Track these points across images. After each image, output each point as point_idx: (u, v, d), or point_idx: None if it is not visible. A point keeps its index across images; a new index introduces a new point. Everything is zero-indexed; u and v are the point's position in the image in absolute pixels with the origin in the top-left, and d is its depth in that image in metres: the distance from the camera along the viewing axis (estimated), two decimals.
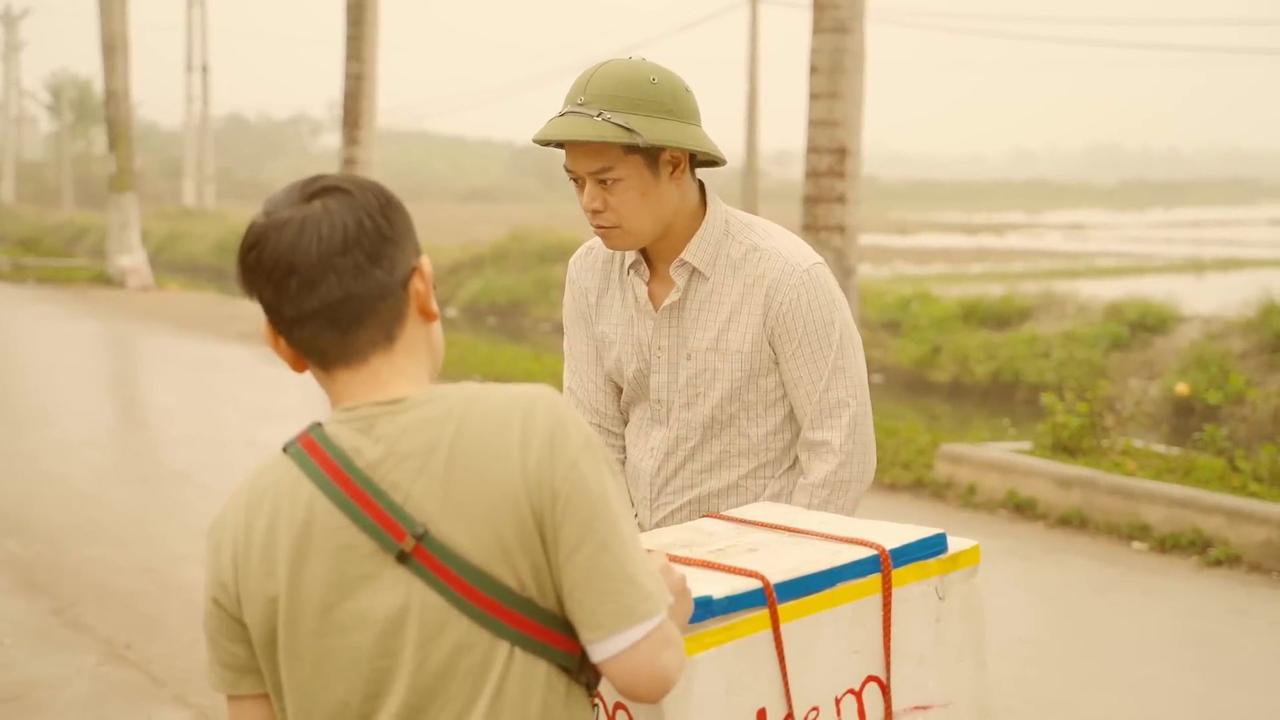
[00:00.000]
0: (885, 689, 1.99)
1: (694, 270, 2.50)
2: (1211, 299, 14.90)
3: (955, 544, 2.08)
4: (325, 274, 1.54)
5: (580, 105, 2.37)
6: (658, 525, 2.59)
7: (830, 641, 1.93)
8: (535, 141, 2.43)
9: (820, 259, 2.51)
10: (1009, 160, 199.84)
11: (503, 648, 1.53)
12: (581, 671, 1.58)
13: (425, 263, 1.62)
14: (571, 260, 2.73)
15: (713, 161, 2.52)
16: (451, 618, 1.53)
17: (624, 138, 2.34)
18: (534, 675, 1.54)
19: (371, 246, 1.56)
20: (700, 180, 2.54)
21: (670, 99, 2.40)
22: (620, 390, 2.68)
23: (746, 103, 27.67)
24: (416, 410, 1.56)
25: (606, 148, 2.37)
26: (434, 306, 1.63)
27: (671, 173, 2.43)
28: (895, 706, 2.00)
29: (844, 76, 8.80)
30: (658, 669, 1.53)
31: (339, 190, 1.57)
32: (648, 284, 2.56)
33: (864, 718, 1.97)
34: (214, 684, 1.66)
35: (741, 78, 28.07)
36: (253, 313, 17.81)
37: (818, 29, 8.83)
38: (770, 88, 28.42)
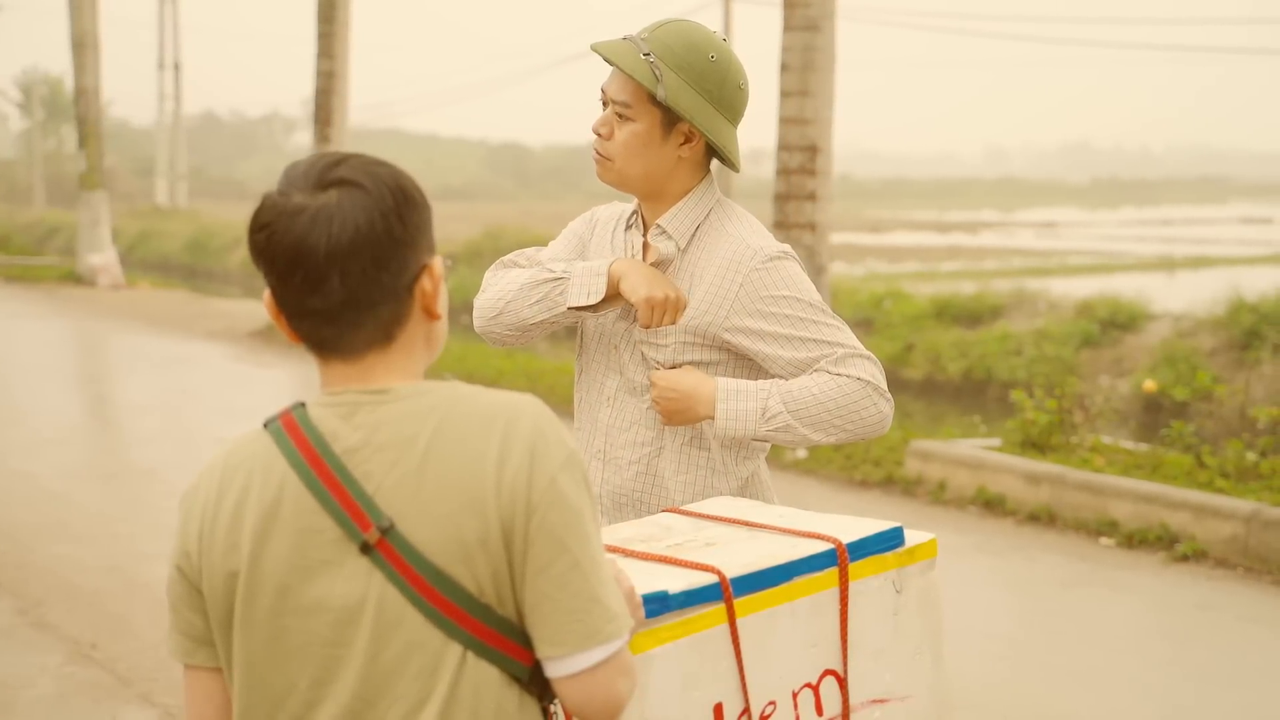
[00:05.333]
0: (842, 683, 1.99)
1: (667, 236, 2.53)
2: (1182, 297, 14.98)
3: (913, 537, 2.09)
4: (329, 274, 1.52)
5: (638, 38, 2.47)
6: (609, 480, 2.58)
7: (787, 636, 1.93)
8: (590, 47, 2.51)
9: (784, 248, 2.53)
10: (982, 159, 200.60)
11: (455, 650, 1.52)
12: (532, 683, 1.57)
13: (437, 263, 1.60)
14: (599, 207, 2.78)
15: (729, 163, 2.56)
16: (407, 614, 1.52)
17: (646, 81, 2.41)
18: (487, 682, 1.53)
19: (380, 250, 1.53)
20: (711, 172, 2.60)
21: (717, 84, 2.46)
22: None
23: None
24: (400, 403, 1.55)
25: (635, 87, 2.44)
26: (439, 306, 1.61)
27: (681, 144, 2.49)
28: (853, 700, 2.00)
29: (814, 74, 8.80)
30: (612, 694, 1.53)
31: (355, 185, 1.54)
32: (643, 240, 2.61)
33: (821, 712, 1.97)
34: (171, 651, 1.66)
35: None
36: (222, 311, 17.74)
37: (788, 27, 8.84)
38: None
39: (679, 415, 2.47)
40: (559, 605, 1.51)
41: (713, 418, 2.45)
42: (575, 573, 1.51)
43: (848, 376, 2.45)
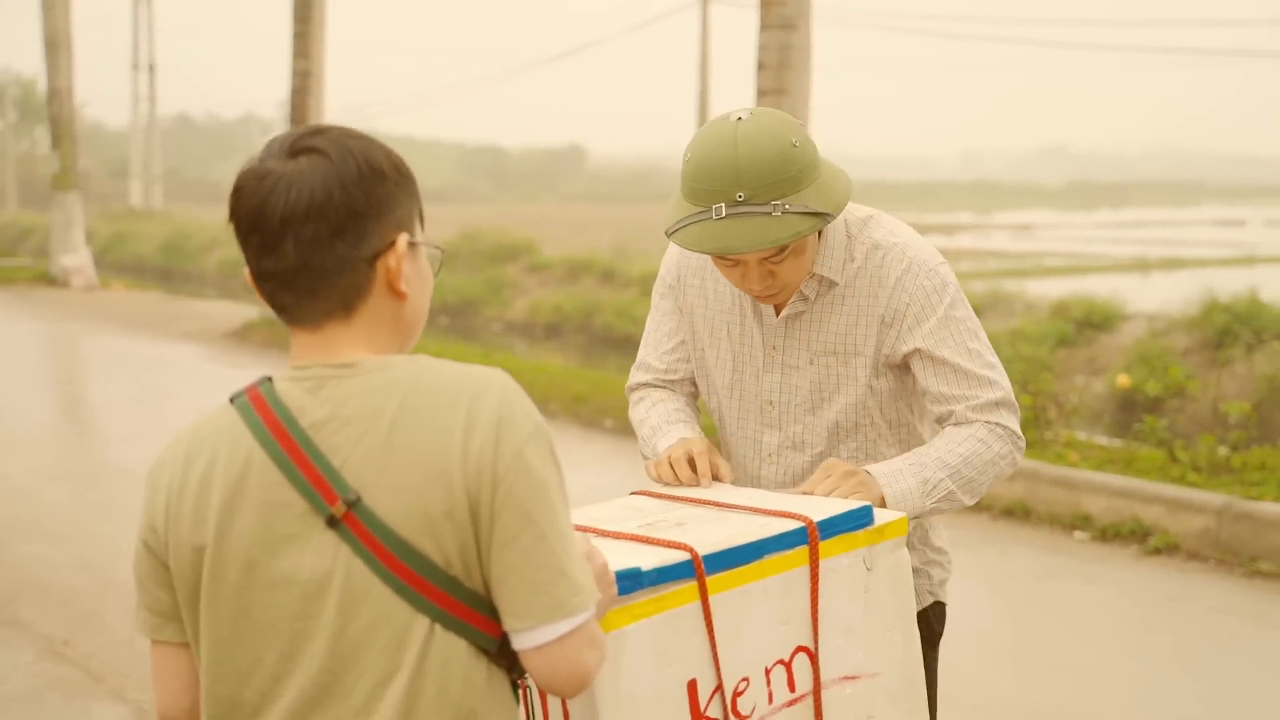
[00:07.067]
0: (814, 659, 1.99)
1: (823, 279, 2.36)
2: (1156, 297, 15.07)
3: (882, 516, 2.10)
4: (283, 239, 1.53)
5: (744, 201, 2.16)
6: None
7: (760, 613, 1.94)
8: (706, 252, 2.21)
9: (943, 259, 2.38)
10: (958, 161, 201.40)
11: (422, 623, 1.52)
12: (501, 655, 1.57)
13: (402, 241, 1.58)
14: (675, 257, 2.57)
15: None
16: (374, 587, 1.51)
17: (817, 225, 2.19)
18: (455, 654, 1.53)
19: (337, 219, 1.53)
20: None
21: (812, 150, 2.23)
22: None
23: (698, 102, 27.74)
24: (366, 376, 1.55)
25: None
26: (403, 284, 1.59)
27: None
28: (824, 677, 2.01)
29: (791, 73, 8.83)
30: (579, 666, 1.52)
31: (321, 154, 1.54)
32: None
33: (793, 688, 1.98)
34: (139, 627, 1.66)
35: (693, 77, 28.14)
36: (198, 312, 17.66)
37: (765, 25, 8.87)
38: (721, 87, 28.51)
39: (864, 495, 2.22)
40: (524, 578, 1.50)
41: (884, 502, 2.23)
42: (541, 545, 1.50)
43: (996, 425, 2.32)
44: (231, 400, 1.61)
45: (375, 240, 1.57)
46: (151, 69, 42.46)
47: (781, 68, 8.82)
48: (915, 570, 2.46)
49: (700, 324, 2.51)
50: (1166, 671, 5.05)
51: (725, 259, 2.27)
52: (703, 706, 1.88)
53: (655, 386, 2.59)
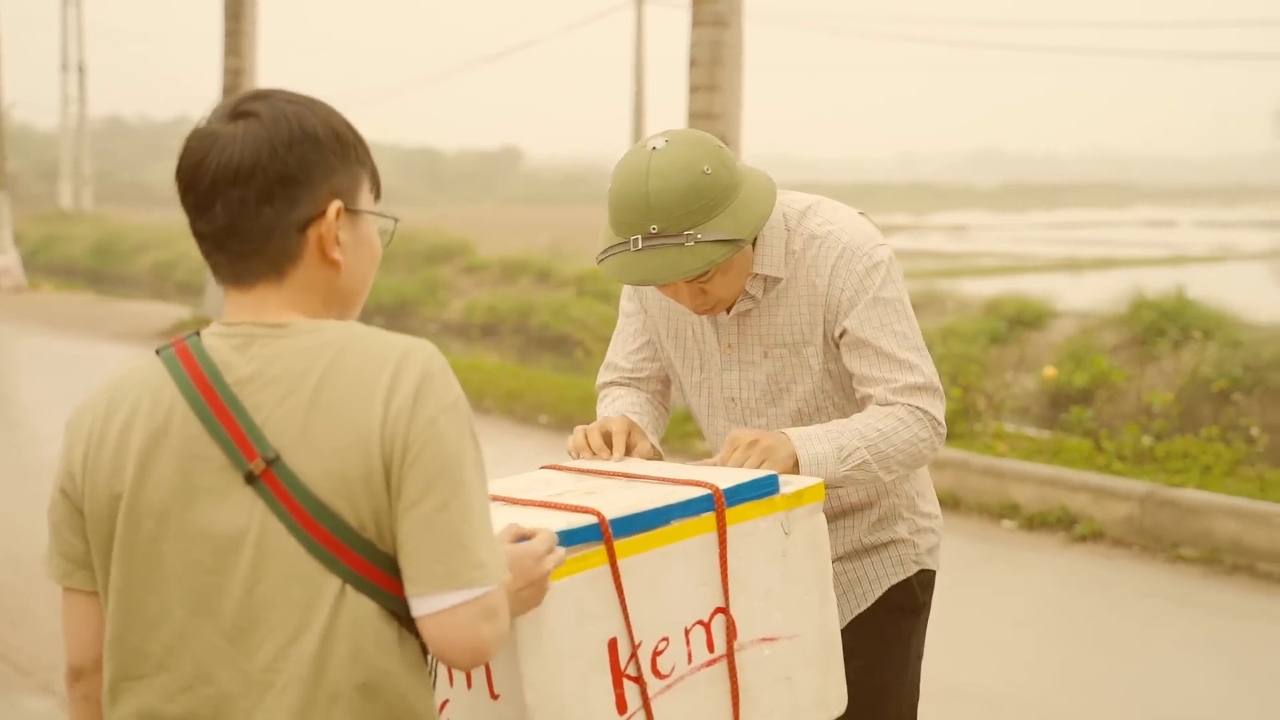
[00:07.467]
0: (731, 621, 2.03)
1: (767, 277, 2.40)
2: (1087, 296, 15.29)
3: (799, 481, 2.14)
4: (213, 201, 1.55)
5: (657, 234, 2.22)
6: None
7: (679, 575, 1.97)
8: (626, 283, 2.29)
9: (883, 241, 2.40)
10: (894, 163, 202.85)
11: (333, 584, 1.52)
12: (411, 619, 1.57)
13: (333, 208, 1.58)
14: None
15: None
16: (288, 546, 1.52)
17: (731, 252, 2.23)
18: (366, 615, 1.53)
19: (265, 184, 1.54)
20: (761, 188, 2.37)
21: (727, 174, 2.26)
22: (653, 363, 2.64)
23: (633, 101, 27.80)
24: (296, 338, 1.56)
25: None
26: (338, 255, 1.59)
27: None
28: (743, 638, 2.05)
29: (722, 70, 8.89)
30: (475, 638, 1.51)
31: (256, 117, 1.56)
32: None
33: (712, 649, 2.01)
34: (49, 573, 1.66)
35: (628, 76, 28.21)
36: (129, 312, 17.45)
37: (696, 22, 8.93)
38: (656, 86, 28.59)
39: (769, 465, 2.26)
40: (422, 544, 1.50)
41: (794, 466, 2.26)
42: (442, 515, 1.50)
43: (916, 408, 2.34)
44: (158, 352, 1.61)
45: (307, 206, 1.57)
46: (81, 70, 41.81)
47: (713, 64, 8.88)
48: (902, 540, 2.53)
49: (663, 327, 2.57)
50: (1093, 653, 5.15)
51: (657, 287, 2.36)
52: (623, 665, 1.91)
53: (620, 385, 2.66)
